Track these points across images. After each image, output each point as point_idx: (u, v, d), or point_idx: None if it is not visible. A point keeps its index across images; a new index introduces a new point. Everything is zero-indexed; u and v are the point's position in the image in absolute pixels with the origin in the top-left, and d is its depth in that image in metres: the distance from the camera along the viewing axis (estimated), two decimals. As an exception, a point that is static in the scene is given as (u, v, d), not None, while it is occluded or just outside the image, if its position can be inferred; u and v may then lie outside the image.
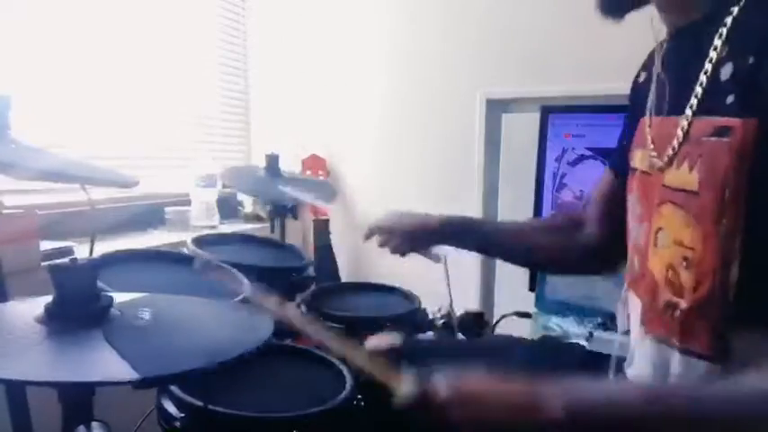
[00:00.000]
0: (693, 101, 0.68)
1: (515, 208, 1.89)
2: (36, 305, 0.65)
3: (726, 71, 0.65)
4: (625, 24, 0.80)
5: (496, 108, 2.05)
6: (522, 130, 1.96)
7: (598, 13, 0.79)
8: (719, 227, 0.63)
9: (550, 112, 1.79)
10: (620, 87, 0.96)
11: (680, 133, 0.69)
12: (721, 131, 0.63)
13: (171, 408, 0.87)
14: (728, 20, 0.65)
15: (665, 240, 0.73)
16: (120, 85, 1.79)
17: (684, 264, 0.68)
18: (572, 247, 1.05)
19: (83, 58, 1.66)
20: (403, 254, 1.15)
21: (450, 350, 1.14)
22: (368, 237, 1.17)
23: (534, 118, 1.80)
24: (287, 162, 1.63)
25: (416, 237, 1.14)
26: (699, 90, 0.68)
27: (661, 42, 0.82)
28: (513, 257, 1.17)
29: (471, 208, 2.06)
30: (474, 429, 0.62)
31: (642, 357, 0.78)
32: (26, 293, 0.74)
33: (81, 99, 1.67)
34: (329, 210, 2.24)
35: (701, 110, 0.67)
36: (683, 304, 0.68)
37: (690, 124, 0.68)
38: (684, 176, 0.68)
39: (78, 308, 0.64)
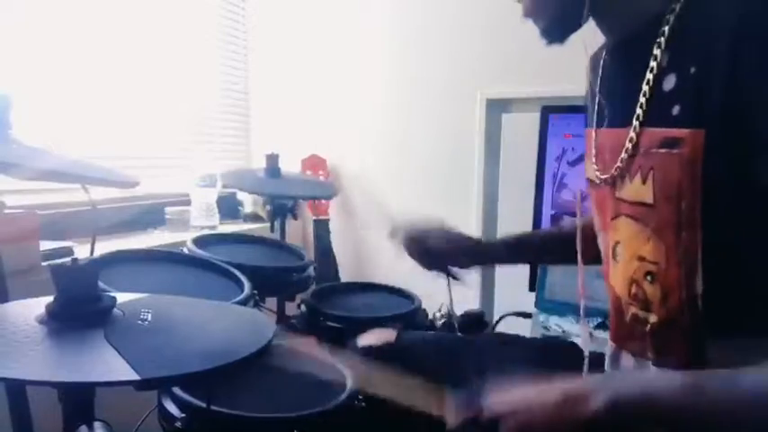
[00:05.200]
0: (639, 111, 0.67)
1: (515, 208, 1.89)
2: (36, 305, 0.65)
3: (669, 82, 0.64)
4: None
5: (496, 108, 2.05)
6: (522, 130, 1.96)
7: (542, 42, 0.78)
8: (680, 239, 0.62)
9: (550, 112, 1.79)
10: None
11: (629, 145, 0.68)
12: (671, 143, 0.62)
13: (172, 408, 0.87)
14: (666, 29, 0.64)
15: (623, 255, 0.72)
16: (120, 85, 1.78)
17: (649, 278, 0.67)
18: None
19: (83, 58, 1.66)
20: (428, 269, 1.09)
21: (445, 347, 1.12)
22: (392, 236, 1.09)
23: (534, 118, 1.80)
24: (287, 162, 1.62)
25: (449, 256, 1.07)
26: (643, 101, 0.66)
27: (596, 53, 0.82)
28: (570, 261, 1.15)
29: (471, 208, 2.06)
30: None
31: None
32: (26, 293, 0.74)
33: (81, 99, 1.67)
34: (329, 209, 2.24)
35: (648, 121, 0.66)
36: (653, 318, 0.68)
37: (638, 136, 0.67)
38: (638, 189, 0.67)
39: (79, 308, 0.64)
